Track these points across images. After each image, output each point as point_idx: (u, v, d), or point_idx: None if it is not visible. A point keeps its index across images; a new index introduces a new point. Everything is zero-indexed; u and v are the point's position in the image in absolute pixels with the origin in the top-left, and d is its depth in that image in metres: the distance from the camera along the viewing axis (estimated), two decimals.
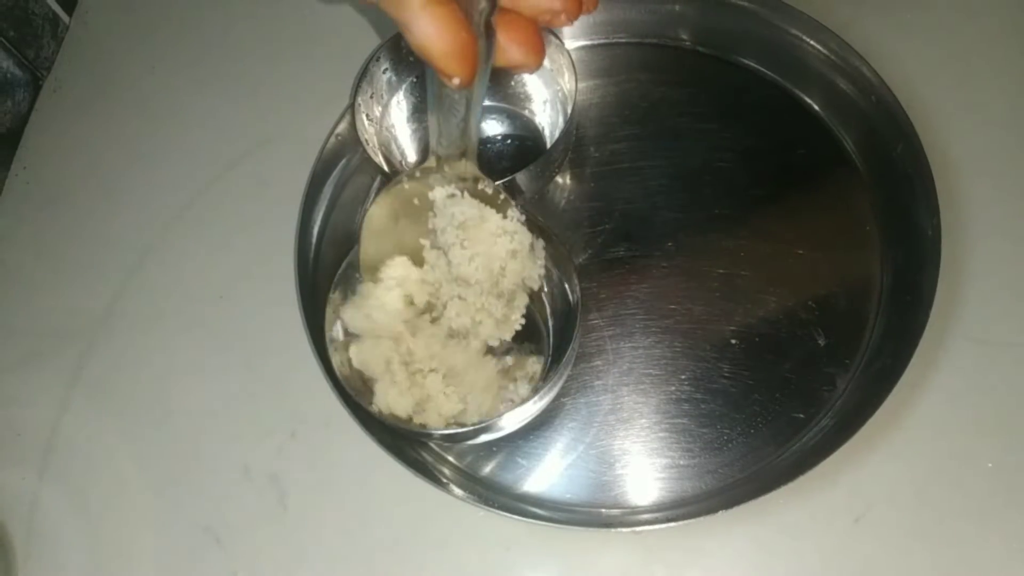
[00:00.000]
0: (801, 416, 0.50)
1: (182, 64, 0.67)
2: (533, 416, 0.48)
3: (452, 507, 0.49)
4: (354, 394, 0.47)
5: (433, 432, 0.47)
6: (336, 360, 0.48)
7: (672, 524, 0.46)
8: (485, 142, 0.59)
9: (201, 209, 0.61)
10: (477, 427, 0.46)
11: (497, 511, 0.46)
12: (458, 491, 0.48)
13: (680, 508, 0.48)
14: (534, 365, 0.49)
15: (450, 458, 0.51)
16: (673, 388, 0.51)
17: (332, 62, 0.64)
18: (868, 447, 0.48)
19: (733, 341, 0.52)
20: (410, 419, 0.47)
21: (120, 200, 0.62)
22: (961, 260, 0.53)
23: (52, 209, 0.62)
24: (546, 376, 0.48)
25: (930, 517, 0.47)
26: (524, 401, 0.46)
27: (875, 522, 0.47)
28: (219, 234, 0.60)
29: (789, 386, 0.51)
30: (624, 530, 0.48)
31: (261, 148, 0.62)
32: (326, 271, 0.52)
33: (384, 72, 0.55)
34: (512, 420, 0.47)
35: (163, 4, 0.70)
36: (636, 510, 0.49)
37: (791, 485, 0.45)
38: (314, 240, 0.55)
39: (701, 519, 0.45)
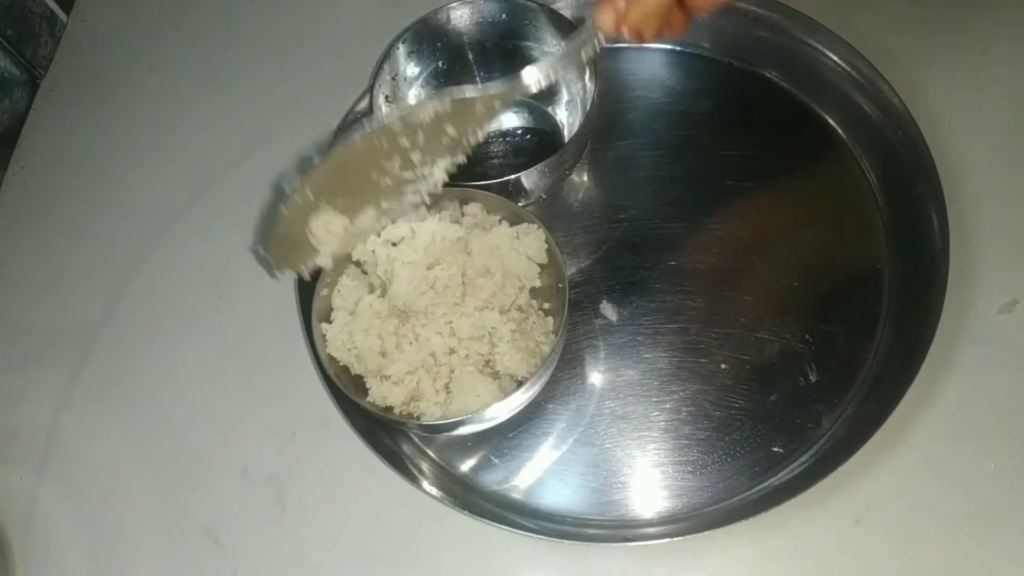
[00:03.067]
0: (810, 425, 0.50)
1: (181, 63, 0.67)
2: (520, 407, 0.48)
3: (452, 508, 0.49)
4: (342, 385, 0.47)
5: (423, 422, 0.47)
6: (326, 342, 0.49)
7: (668, 540, 0.46)
8: (504, 135, 0.60)
9: (200, 209, 0.61)
10: (464, 417, 0.46)
11: (491, 523, 0.46)
12: (454, 500, 0.48)
13: (680, 523, 0.48)
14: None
15: (447, 468, 0.51)
16: (669, 407, 0.51)
17: (332, 62, 0.64)
18: (871, 449, 0.48)
19: (724, 366, 0.52)
20: (401, 412, 0.47)
21: (119, 200, 0.62)
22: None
23: (50, 209, 0.62)
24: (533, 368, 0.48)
25: (932, 518, 0.47)
26: (511, 392, 0.46)
27: (876, 524, 0.47)
28: (219, 234, 0.59)
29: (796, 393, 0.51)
30: (616, 544, 0.48)
31: (261, 148, 0.62)
32: (324, 270, 0.52)
33: (409, 55, 0.56)
34: (498, 411, 0.47)
35: (162, 2, 0.70)
36: (634, 523, 0.49)
37: (793, 487, 0.45)
38: None
39: (700, 534, 0.46)
